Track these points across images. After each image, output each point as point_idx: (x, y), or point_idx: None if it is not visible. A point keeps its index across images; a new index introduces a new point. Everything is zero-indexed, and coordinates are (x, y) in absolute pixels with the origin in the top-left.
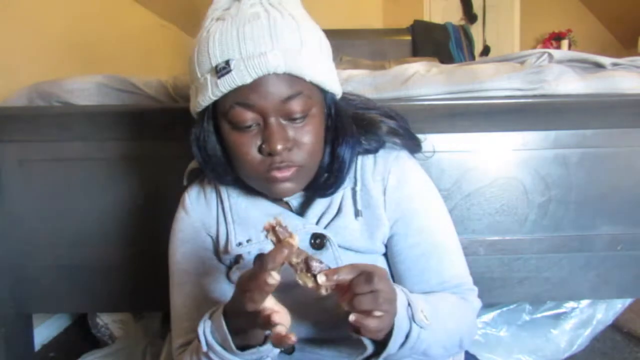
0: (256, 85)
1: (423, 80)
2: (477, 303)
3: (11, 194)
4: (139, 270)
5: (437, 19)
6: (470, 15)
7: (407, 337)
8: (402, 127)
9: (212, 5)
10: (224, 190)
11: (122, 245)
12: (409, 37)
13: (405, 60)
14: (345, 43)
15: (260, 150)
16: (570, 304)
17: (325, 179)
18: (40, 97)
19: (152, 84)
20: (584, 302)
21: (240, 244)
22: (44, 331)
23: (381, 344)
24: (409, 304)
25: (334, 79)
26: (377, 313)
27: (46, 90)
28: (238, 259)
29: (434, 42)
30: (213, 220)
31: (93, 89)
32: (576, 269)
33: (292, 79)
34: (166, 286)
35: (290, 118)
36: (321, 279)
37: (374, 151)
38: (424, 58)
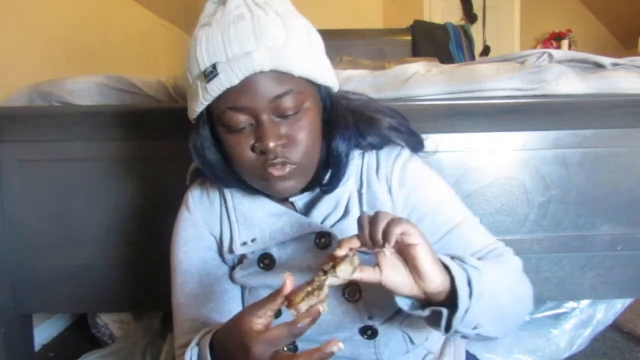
0: (244, 86)
1: (423, 80)
2: (517, 260)
3: (11, 194)
4: (139, 270)
5: (437, 19)
6: (470, 15)
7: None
8: (403, 124)
9: (201, 14)
10: (227, 190)
11: (122, 245)
12: (409, 37)
13: (405, 60)
14: (345, 43)
15: (253, 149)
16: (570, 304)
17: (323, 174)
18: (40, 97)
19: (152, 84)
20: (584, 302)
21: (244, 243)
22: (44, 331)
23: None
24: (469, 283)
25: (325, 72)
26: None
27: (46, 90)
28: (242, 258)
29: (434, 42)
30: (216, 219)
31: (93, 89)
32: (576, 269)
33: (280, 76)
34: (166, 286)
35: (283, 115)
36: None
37: (378, 147)
38: (424, 58)
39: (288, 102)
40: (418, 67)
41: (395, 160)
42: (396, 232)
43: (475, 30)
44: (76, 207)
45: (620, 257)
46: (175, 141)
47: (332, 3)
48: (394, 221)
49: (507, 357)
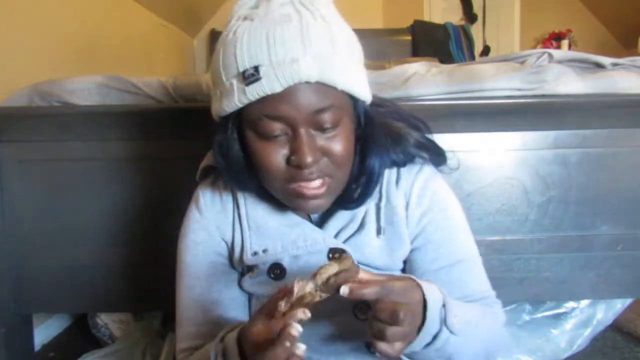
0: (287, 94)
1: (423, 80)
2: (502, 316)
3: (11, 194)
4: (139, 270)
5: (437, 19)
6: (470, 15)
7: (434, 338)
8: (429, 139)
9: (238, 1)
10: (240, 195)
11: (122, 245)
12: (409, 37)
13: (405, 60)
14: None
15: (288, 161)
16: (570, 304)
17: (352, 191)
18: (40, 97)
19: (152, 84)
20: (584, 302)
21: (255, 253)
22: (44, 331)
23: None
24: (444, 305)
25: (364, 85)
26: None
27: (46, 90)
28: (252, 267)
29: (434, 42)
30: (229, 225)
31: (93, 89)
32: (576, 269)
33: (324, 88)
34: (166, 286)
35: (321, 129)
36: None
37: (402, 164)
38: (424, 58)
39: (328, 117)
40: (418, 67)
41: (417, 176)
42: (397, 349)
43: (475, 30)
44: (76, 207)
45: (621, 257)
46: (175, 141)
47: (332, 3)
48: (403, 337)
49: (507, 357)
